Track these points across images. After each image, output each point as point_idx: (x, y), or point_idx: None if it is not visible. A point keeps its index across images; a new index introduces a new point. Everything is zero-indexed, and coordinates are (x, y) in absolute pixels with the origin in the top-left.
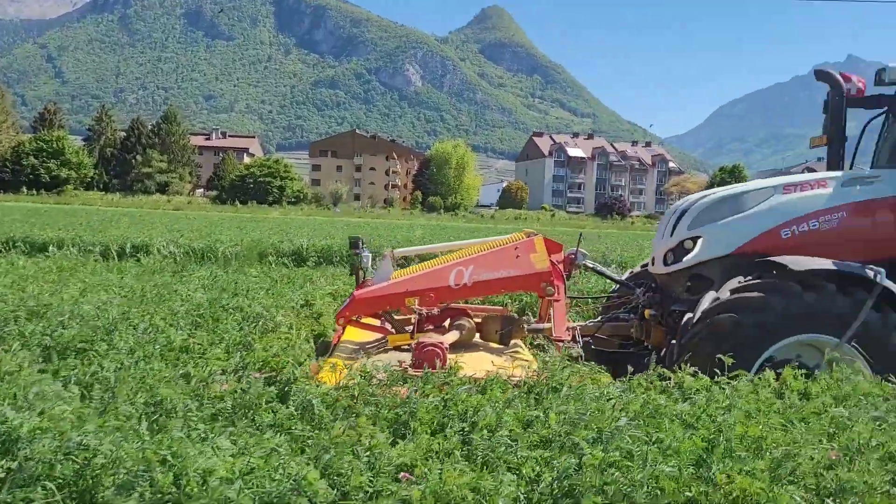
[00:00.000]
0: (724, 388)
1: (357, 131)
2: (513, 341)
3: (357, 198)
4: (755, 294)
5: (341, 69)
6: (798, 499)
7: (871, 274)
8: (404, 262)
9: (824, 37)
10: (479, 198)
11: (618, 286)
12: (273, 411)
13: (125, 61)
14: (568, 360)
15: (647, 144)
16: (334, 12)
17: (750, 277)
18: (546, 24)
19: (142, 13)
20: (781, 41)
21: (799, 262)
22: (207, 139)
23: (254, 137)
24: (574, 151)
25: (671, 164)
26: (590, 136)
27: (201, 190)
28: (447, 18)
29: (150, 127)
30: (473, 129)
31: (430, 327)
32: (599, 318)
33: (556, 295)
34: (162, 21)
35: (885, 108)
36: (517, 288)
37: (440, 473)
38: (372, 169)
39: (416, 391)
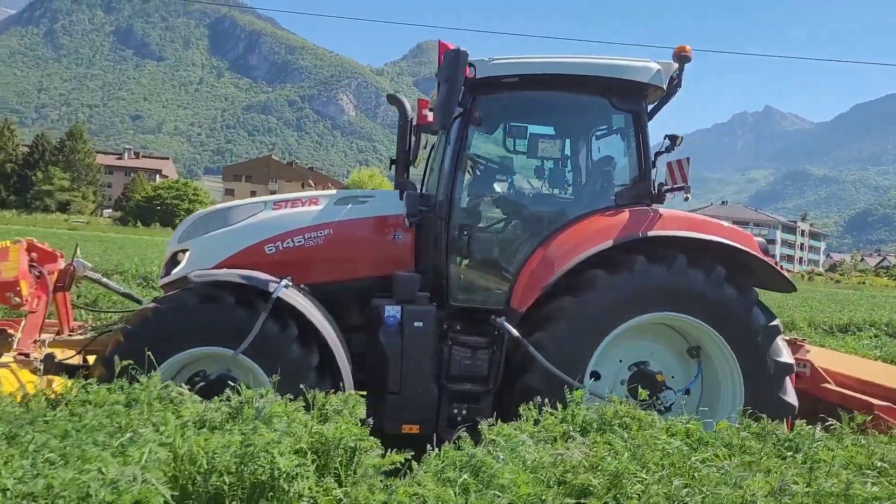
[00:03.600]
0: None
1: (273, 157)
2: None
3: None
4: (151, 306)
5: (274, 95)
6: None
7: (267, 286)
8: None
9: (744, 88)
10: None
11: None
12: None
13: (49, 76)
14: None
15: None
16: (269, 38)
17: (177, 291)
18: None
19: (69, 28)
20: (704, 90)
21: (202, 275)
22: (119, 158)
23: (167, 159)
24: None
25: None
26: None
27: (109, 210)
28: (383, 50)
29: (54, 143)
30: None
31: None
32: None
33: (29, 306)
34: (90, 37)
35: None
36: None
37: None
38: None
39: None
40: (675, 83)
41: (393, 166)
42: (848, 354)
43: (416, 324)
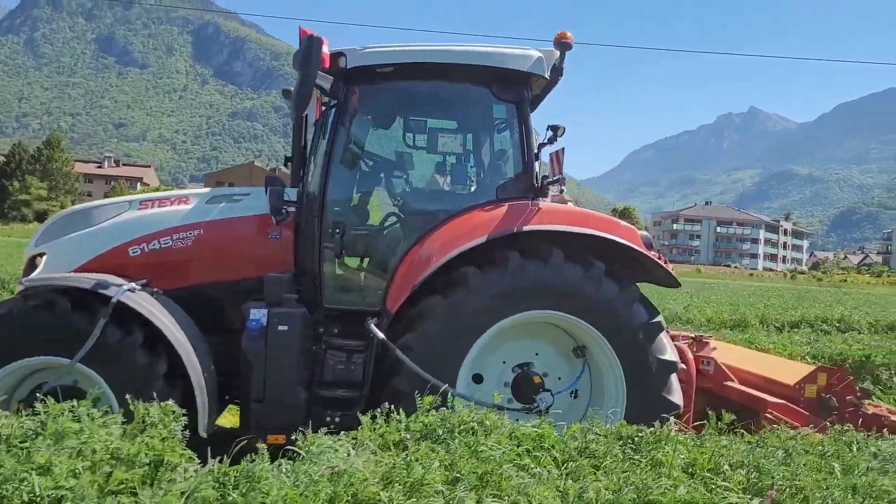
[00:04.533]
0: None
1: (257, 163)
2: None
3: None
4: None
5: (260, 101)
6: None
7: (107, 289)
8: None
9: (729, 88)
10: None
11: None
12: None
13: (30, 85)
14: None
15: None
16: (254, 44)
17: (10, 298)
18: None
19: (50, 36)
20: (689, 92)
21: (36, 279)
22: (99, 167)
23: (149, 167)
24: None
25: (570, 205)
26: None
27: None
28: None
29: (31, 152)
30: None
31: None
32: None
33: None
34: (71, 45)
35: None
36: None
37: None
38: None
39: None
40: (558, 71)
41: (289, 163)
42: (756, 351)
43: (280, 327)
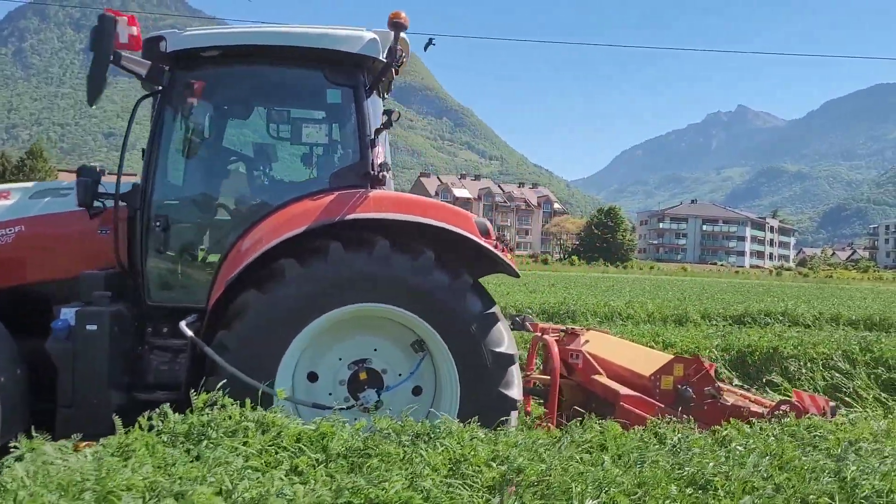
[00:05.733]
0: None
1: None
2: None
3: None
4: None
5: None
6: None
7: None
8: None
9: (717, 87)
10: None
11: None
12: None
13: (18, 96)
14: None
15: (534, 186)
16: None
17: None
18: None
19: (38, 47)
20: (677, 91)
21: None
22: None
23: (135, 175)
24: (460, 192)
25: (556, 205)
26: (477, 178)
27: None
28: None
29: (14, 162)
30: None
31: None
32: None
33: None
34: (60, 56)
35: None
36: None
37: None
38: None
39: None
40: (396, 54)
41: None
42: (631, 342)
43: (88, 327)
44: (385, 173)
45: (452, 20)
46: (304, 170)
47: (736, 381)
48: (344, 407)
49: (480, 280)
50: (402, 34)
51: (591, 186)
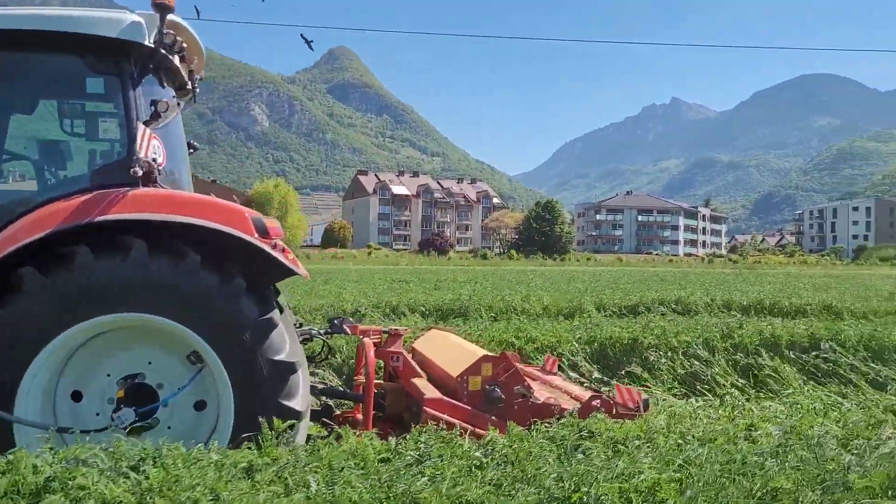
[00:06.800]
0: None
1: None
2: None
3: None
4: None
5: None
6: None
7: None
8: None
9: (653, 80)
10: (311, 237)
11: None
12: None
13: None
14: None
15: (473, 181)
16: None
17: None
18: (394, 66)
19: None
20: (614, 85)
21: None
22: None
23: None
24: (398, 189)
25: (495, 200)
26: (415, 174)
27: None
28: (293, 58)
29: None
30: (324, 168)
31: None
32: None
33: None
34: None
35: None
36: None
37: None
38: None
39: None
40: (167, 38)
41: None
42: (465, 341)
43: None
44: (157, 170)
45: (386, 15)
46: (64, 167)
47: (596, 375)
48: (94, 430)
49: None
50: (175, 17)
51: (534, 181)
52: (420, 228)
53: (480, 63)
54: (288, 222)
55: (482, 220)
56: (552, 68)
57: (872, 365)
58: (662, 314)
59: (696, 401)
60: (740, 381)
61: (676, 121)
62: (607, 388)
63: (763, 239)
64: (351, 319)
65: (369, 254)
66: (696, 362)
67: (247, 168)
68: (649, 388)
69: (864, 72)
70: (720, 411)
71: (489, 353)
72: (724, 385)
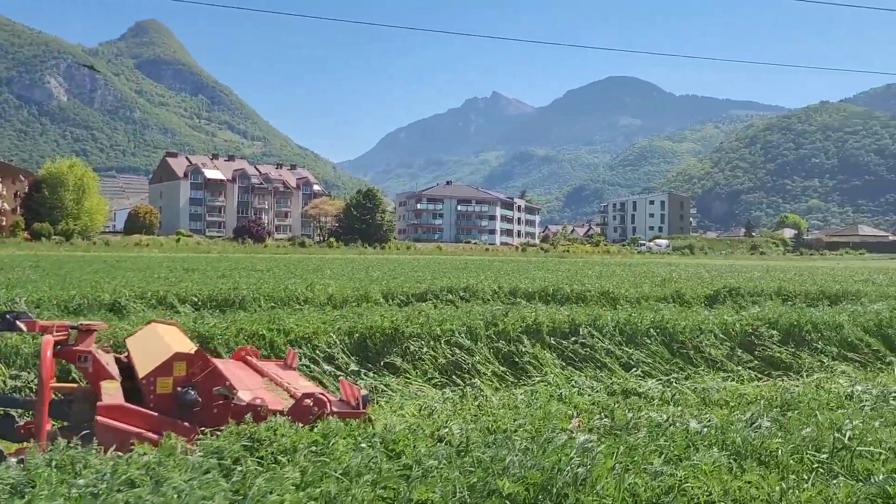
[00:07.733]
0: None
1: None
2: None
3: None
4: None
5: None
6: None
7: None
8: None
9: (475, 74)
10: (115, 223)
11: None
12: None
13: None
14: None
15: (292, 167)
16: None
17: None
18: (210, 44)
19: None
20: (438, 77)
21: None
22: None
23: None
24: (212, 174)
25: (316, 187)
26: (231, 158)
27: None
28: (96, 29)
29: None
30: (132, 149)
31: None
32: None
33: None
34: None
35: None
36: None
37: None
38: None
39: None
40: None
41: None
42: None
43: None
44: None
45: None
46: None
47: (353, 367)
48: None
49: None
50: None
51: (358, 169)
52: (236, 215)
53: (305, 47)
54: (85, 206)
55: (302, 208)
56: (380, 57)
57: (626, 349)
58: (450, 301)
59: (446, 392)
60: (501, 368)
61: (497, 114)
62: (363, 381)
63: (573, 229)
64: (30, 314)
65: (178, 241)
66: (458, 351)
67: (41, 146)
68: (408, 378)
69: (661, 77)
70: (460, 405)
71: (182, 351)
72: (485, 373)
